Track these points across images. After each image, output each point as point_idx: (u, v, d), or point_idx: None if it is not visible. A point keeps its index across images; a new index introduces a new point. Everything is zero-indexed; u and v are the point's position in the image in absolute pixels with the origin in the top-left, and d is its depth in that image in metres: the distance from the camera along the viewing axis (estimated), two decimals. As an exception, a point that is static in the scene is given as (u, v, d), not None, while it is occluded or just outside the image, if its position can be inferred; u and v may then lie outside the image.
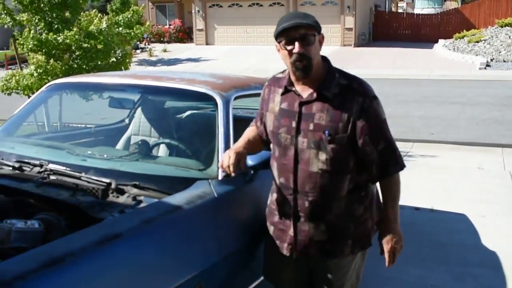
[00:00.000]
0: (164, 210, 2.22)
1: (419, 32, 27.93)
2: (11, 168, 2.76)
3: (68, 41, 6.78)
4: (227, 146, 2.66)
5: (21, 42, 6.89)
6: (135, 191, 2.49)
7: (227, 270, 2.43)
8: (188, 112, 3.91)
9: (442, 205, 5.41)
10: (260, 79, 3.56)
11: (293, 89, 2.30)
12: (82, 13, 7.48)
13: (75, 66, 7.01)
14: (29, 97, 6.74)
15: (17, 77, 7.03)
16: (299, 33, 2.15)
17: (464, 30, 24.38)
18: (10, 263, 1.75)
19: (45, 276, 1.70)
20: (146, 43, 27.65)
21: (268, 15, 24.63)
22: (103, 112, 4.63)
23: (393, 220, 2.34)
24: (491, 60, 19.23)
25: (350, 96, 2.22)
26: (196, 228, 2.30)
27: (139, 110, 3.82)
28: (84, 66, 7.00)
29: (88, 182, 2.53)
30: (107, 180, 2.51)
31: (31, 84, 6.80)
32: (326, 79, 2.25)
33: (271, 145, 2.44)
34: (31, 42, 6.76)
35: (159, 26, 30.04)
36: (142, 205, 2.37)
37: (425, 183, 6.21)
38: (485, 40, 21.57)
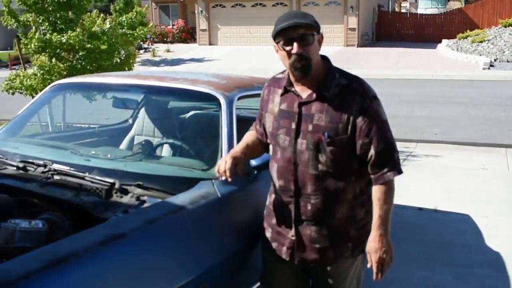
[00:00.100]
0: (168, 210, 2.23)
1: (423, 32, 27.90)
2: (15, 168, 2.77)
3: (71, 41, 6.79)
4: (230, 146, 2.67)
5: (25, 43, 6.91)
6: (138, 191, 2.49)
7: (231, 270, 2.43)
8: (191, 112, 3.92)
9: (446, 205, 5.40)
10: (263, 79, 3.55)
11: (293, 89, 2.26)
12: (85, 14, 7.49)
13: (79, 66, 7.02)
14: (32, 97, 6.76)
15: (21, 77, 7.05)
16: (297, 33, 2.11)
17: (468, 30, 24.35)
18: (14, 263, 1.76)
19: (49, 276, 1.70)
20: (149, 43, 27.68)
21: (271, 15, 24.56)
22: (107, 112, 4.64)
23: (383, 229, 2.19)
24: (495, 60, 19.19)
25: (350, 97, 2.17)
26: (199, 228, 2.30)
27: (142, 110, 3.83)
28: (88, 67, 7.01)
29: (92, 182, 2.54)
30: (111, 180, 2.51)
31: (35, 84, 6.81)
32: (326, 79, 2.21)
33: (271, 147, 2.40)
34: (35, 44, 6.77)
35: (162, 26, 30.07)
36: (145, 205, 2.38)
37: (428, 183, 6.21)
38: (488, 40, 21.53)
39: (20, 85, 7.01)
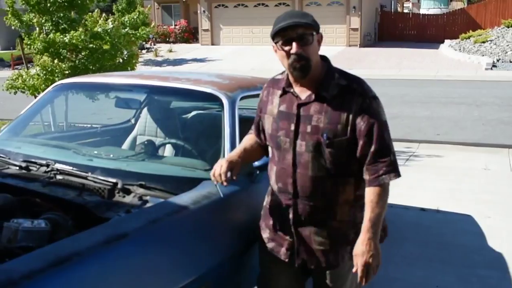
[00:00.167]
0: (170, 210, 2.23)
1: (425, 33, 27.87)
2: (18, 167, 2.78)
3: (74, 41, 6.80)
4: (233, 146, 2.67)
5: (28, 43, 6.92)
6: (141, 191, 2.49)
7: (233, 270, 2.43)
8: (194, 112, 3.92)
9: (448, 206, 5.39)
10: (265, 79, 3.53)
11: (291, 90, 2.23)
12: (87, 14, 7.50)
13: (82, 66, 7.03)
14: (35, 97, 6.77)
15: (24, 77, 7.06)
16: (296, 33, 2.08)
17: (470, 31, 24.31)
18: (17, 262, 1.76)
19: (52, 275, 1.70)
20: (152, 43, 27.69)
21: (274, 15, 24.03)
22: (109, 112, 4.65)
23: (372, 232, 2.10)
24: (497, 60, 19.16)
25: (349, 97, 2.14)
26: (202, 228, 2.30)
27: (145, 110, 3.83)
28: (91, 67, 7.02)
29: (95, 182, 2.54)
30: (114, 180, 2.52)
31: (37, 84, 6.83)
32: (325, 80, 2.18)
33: (270, 149, 2.38)
34: (39, 44, 6.78)
35: (164, 27, 30.08)
36: (148, 205, 2.38)
37: (431, 183, 6.20)
38: (491, 41, 21.49)
39: (22, 85, 7.03)
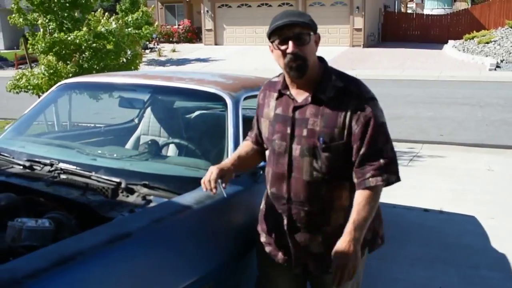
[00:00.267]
0: (174, 210, 2.23)
1: (429, 33, 27.83)
2: (22, 167, 2.78)
3: (78, 41, 6.82)
4: (236, 146, 2.67)
5: (32, 43, 6.94)
6: (144, 190, 2.50)
7: (237, 270, 2.44)
8: (197, 112, 3.93)
9: (451, 206, 5.38)
10: (269, 79, 3.56)
11: (288, 92, 2.19)
12: (90, 14, 7.52)
13: (85, 66, 7.05)
14: (39, 96, 6.79)
15: (28, 77, 7.07)
16: (293, 32, 2.04)
17: (474, 31, 24.25)
18: (21, 261, 1.77)
19: (56, 275, 1.71)
20: (155, 43, 27.72)
21: (277, 15, 24.60)
22: (113, 112, 4.65)
23: (354, 236, 2.01)
24: (501, 61, 19.11)
25: (346, 99, 2.09)
26: (205, 228, 2.30)
27: (148, 110, 3.84)
28: (95, 66, 7.03)
29: (98, 181, 2.54)
30: (117, 180, 2.52)
31: (41, 83, 6.84)
32: (322, 82, 2.13)
33: (267, 152, 2.34)
34: (43, 45, 6.79)
35: (168, 26, 30.12)
36: (151, 204, 2.38)
37: (434, 184, 6.19)
38: (495, 41, 21.44)
39: (26, 84, 7.04)
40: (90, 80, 3.93)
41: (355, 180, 2.10)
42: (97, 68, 7.07)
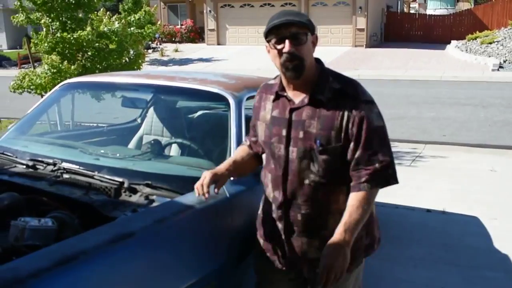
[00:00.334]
0: (176, 210, 2.23)
1: (431, 33, 27.79)
2: (25, 166, 2.79)
3: (81, 40, 6.83)
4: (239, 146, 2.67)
5: (36, 42, 6.95)
6: (147, 190, 2.50)
7: (238, 271, 2.44)
8: (200, 112, 3.93)
9: (454, 207, 5.37)
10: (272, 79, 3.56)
11: (285, 94, 2.15)
12: (93, 13, 7.53)
13: (88, 65, 7.06)
14: (42, 96, 6.80)
15: (31, 76, 7.09)
16: (290, 31, 2.01)
17: (477, 31, 24.23)
18: (24, 261, 1.77)
19: (58, 274, 1.71)
20: (158, 43, 27.75)
21: (280, 15, 24.59)
22: (115, 112, 4.66)
23: (344, 237, 1.98)
24: (504, 61, 19.07)
25: (343, 101, 2.05)
26: (208, 228, 2.31)
27: (151, 110, 3.84)
28: (98, 66, 7.04)
29: (101, 181, 2.55)
30: (120, 179, 2.52)
31: (45, 83, 6.85)
32: (319, 83, 2.10)
33: (264, 156, 2.31)
34: (45, 45, 6.81)
35: (170, 26, 30.14)
36: (154, 204, 2.38)
37: (436, 185, 6.18)
38: (498, 42, 21.40)
39: (29, 84, 7.05)
40: (93, 80, 3.94)
41: (351, 184, 2.07)
42: (100, 67, 7.08)
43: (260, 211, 2.38)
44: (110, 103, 4.79)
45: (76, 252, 1.80)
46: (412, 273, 3.95)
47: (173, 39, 29.55)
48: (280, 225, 2.21)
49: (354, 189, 2.06)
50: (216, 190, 2.21)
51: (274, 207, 2.23)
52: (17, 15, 7.34)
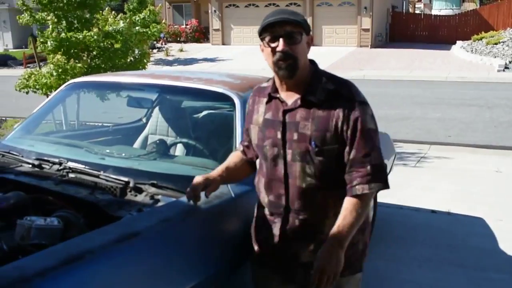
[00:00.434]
0: (182, 209, 2.24)
1: (437, 34, 27.72)
2: (30, 165, 2.79)
3: (86, 40, 6.85)
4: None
5: (41, 41, 6.97)
6: (153, 190, 2.50)
7: (244, 271, 2.43)
8: (205, 112, 3.93)
9: (459, 208, 5.36)
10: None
11: (277, 95, 2.12)
12: (99, 13, 7.55)
13: (93, 65, 7.08)
14: (47, 96, 6.82)
15: (36, 76, 7.11)
16: (284, 30, 1.98)
17: (483, 32, 24.14)
18: (30, 260, 1.78)
19: (64, 273, 1.72)
20: (163, 43, 27.80)
21: (285, 15, 24.57)
22: (120, 111, 4.67)
23: (338, 241, 1.97)
24: (510, 62, 18.98)
25: (336, 103, 2.03)
26: (213, 228, 2.31)
27: (156, 110, 3.85)
28: (103, 65, 7.06)
29: (107, 180, 2.55)
30: (125, 179, 2.52)
31: (50, 83, 6.87)
32: (312, 84, 2.07)
33: (257, 161, 2.28)
34: (51, 43, 6.83)
35: (175, 26, 30.17)
36: (159, 204, 2.39)
37: (442, 186, 6.16)
38: (503, 42, 21.31)
39: (35, 83, 7.08)
40: (98, 80, 3.95)
41: (346, 187, 2.06)
42: (105, 67, 7.10)
43: (254, 217, 2.33)
44: (115, 102, 4.80)
45: (82, 252, 1.81)
46: (417, 274, 3.94)
47: (178, 39, 29.59)
48: (276, 231, 2.18)
49: (348, 192, 2.04)
50: (207, 194, 2.19)
51: (270, 212, 2.20)
52: (22, 15, 7.36)
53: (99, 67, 7.08)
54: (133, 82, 3.59)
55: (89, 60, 7.07)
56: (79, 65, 6.82)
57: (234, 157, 2.40)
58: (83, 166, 2.71)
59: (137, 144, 3.70)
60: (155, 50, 25.69)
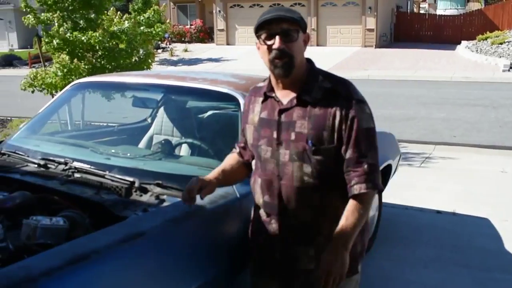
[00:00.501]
0: (187, 210, 2.23)
1: (441, 34, 27.67)
2: (36, 165, 2.80)
3: (91, 41, 6.87)
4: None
5: (46, 41, 6.98)
6: (158, 190, 2.50)
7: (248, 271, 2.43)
8: (210, 112, 3.93)
9: (464, 208, 5.34)
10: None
11: (273, 95, 2.09)
12: (104, 13, 7.56)
13: (98, 65, 7.09)
14: (52, 95, 6.84)
15: (42, 75, 7.13)
16: (280, 27, 1.94)
17: (487, 32, 24.07)
18: (36, 259, 1.78)
19: (70, 273, 1.72)
20: (167, 43, 27.83)
21: (289, 15, 24.55)
22: (125, 111, 4.68)
23: (343, 244, 1.97)
24: (515, 62, 18.94)
25: (334, 101, 2.00)
26: (218, 228, 2.31)
27: (161, 110, 3.85)
28: (107, 65, 7.07)
29: (112, 180, 2.56)
30: (131, 179, 2.53)
31: (55, 82, 6.89)
32: (308, 83, 2.04)
33: (253, 161, 2.26)
34: (56, 41, 6.85)
35: (180, 26, 30.22)
36: (165, 204, 2.39)
37: (447, 186, 6.14)
38: (508, 42, 21.24)
39: (40, 82, 7.10)
40: (103, 80, 3.96)
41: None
42: (110, 67, 7.11)
43: (251, 220, 2.30)
44: (120, 102, 4.80)
45: (87, 251, 1.82)
46: (422, 275, 3.93)
47: (183, 39, 29.64)
48: (273, 234, 2.15)
49: (349, 193, 2.02)
50: (202, 196, 2.17)
51: (266, 214, 2.17)
52: (28, 16, 7.38)
53: (104, 67, 7.09)
54: (138, 82, 3.59)
55: (93, 60, 7.08)
56: (83, 65, 6.84)
57: (230, 159, 2.38)
58: (89, 166, 2.72)
59: (142, 144, 3.70)
60: (159, 50, 25.73)
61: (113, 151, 3.00)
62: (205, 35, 29.91)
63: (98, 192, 2.49)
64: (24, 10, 7.33)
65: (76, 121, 5.75)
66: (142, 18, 7.97)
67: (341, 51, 23.55)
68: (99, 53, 7.13)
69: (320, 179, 2.03)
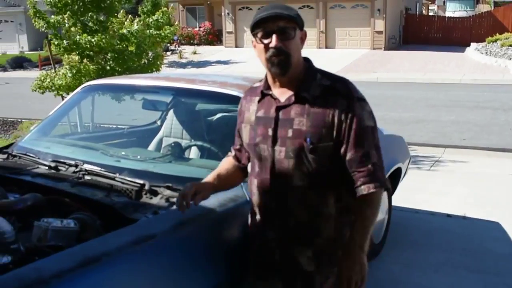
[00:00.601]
0: (197, 212, 2.23)
1: (451, 36, 27.56)
2: (47, 167, 2.81)
3: (101, 43, 6.90)
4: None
5: (56, 43, 7.02)
6: (168, 192, 2.50)
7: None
8: (219, 115, 3.93)
9: (475, 212, 5.31)
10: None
11: (270, 93, 2.06)
12: (114, 16, 7.60)
13: (108, 67, 7.12)
14: (62, 98, 6.88)
15: (52, 76, 7.18)
16: (277, 25, 1.92)
17: (497, 34, 23.95)
18: (47, 261, 1.79)
19: (81, 275, 1.73)
20: (176, 45, 27.91)
21: (298, 18, 24.55)
22: (135, 114, 4.69)
23: (359, 246, 1.99)
24: (525, 64, 18.84)
25: (333, 98, 1.97)
26: (228, 231, 2.31)
27: (171, 112, 3.86)
28: (117, 68, 7.10)
29: (122, 183, 2.56)
30: (141, 181, 2.53)
31: (66, 83, 6.93)
32: (306, 80, 2.01)
33: (250, 161, 2.22)
34: (66, 42, 6.89)
35: (189, 29, 30.30)
36: (175, 206, 2.39)
37: (457, 189, 6.11)
38: (518, 44, 21.15)
39: (50, 84, 7.14)
40: (113, 82, 3.98)
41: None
42: (119, 70, 7.14)
43: (249, 222, 2.27)
44: (130, 105, 4.82)
45: (98, 254, 1.82)
46: (432, 279, 3.91)
47: (192, 41, 29.72)
48: (271, 235, 2.12)
49: (356, 194, 2.00)
50: (196, 202, 2.13)
51: (264, 215, 2.14)
52: (38, 20, 7.42)
53: (113, 69, 7.12)
54: (148, 84, 3.61)
55: (102, 62, 7.12)
56: (92, 66, 6.87)
57: (226, 163, 2.35)
58: (99, 168, 2.72)
59: (152, 146, 3.71)
60: (168, 53, 25.81)
61: (123, 153, 3.01)
62: (214, 37, 29.97)
63: (109, 194, 2.50)
64: (32, 17, 7.36)
65: (86, 123, 5.76)
66: (151, 20, 7.99)
67: (350, 53, 23.51)
68: (109, 55, 7.17)
69: (316, 178, 2.01)
